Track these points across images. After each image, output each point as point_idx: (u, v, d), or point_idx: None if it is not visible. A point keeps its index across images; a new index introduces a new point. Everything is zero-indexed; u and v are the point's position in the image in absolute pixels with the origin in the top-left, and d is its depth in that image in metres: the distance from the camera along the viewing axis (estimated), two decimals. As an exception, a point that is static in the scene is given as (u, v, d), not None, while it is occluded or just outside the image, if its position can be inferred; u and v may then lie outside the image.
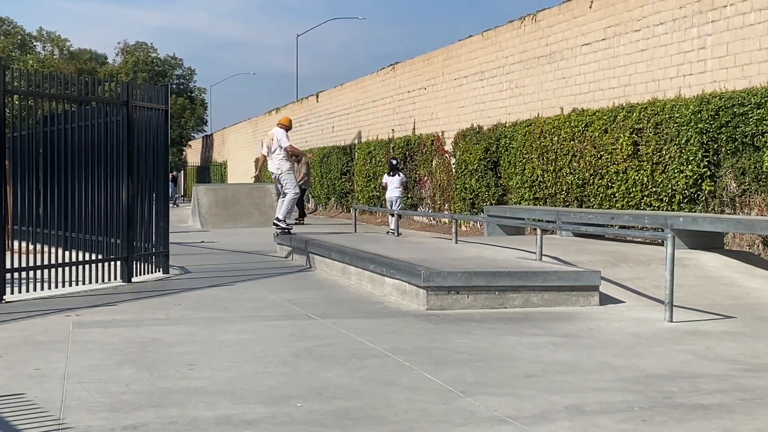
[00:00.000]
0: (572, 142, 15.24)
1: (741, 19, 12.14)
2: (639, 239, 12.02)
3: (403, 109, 23.96)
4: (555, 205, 15.66)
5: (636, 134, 13.62)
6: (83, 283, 9.37)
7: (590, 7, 15.55)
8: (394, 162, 18.82)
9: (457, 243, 11.26)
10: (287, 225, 13.64)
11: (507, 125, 17.89)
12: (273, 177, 14.01)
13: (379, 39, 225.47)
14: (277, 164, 13.63)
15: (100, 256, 9.77)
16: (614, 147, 14.05)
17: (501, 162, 17.92)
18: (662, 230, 10.26)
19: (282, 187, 13.74)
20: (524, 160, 16.83)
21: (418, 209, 22.33)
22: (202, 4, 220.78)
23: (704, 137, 12.16)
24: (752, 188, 11.54)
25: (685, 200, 12.61)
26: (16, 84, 8.81)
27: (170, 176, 13.26)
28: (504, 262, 9.03)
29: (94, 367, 5.46)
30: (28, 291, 8.69)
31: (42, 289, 8.89)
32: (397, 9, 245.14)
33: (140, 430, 4.10)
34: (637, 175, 13.52)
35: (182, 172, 57.33)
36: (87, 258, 9.55)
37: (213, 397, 4.71)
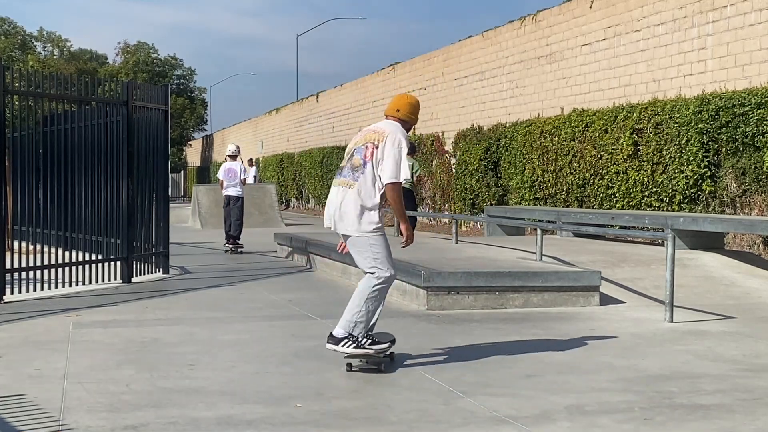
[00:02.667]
0: (572, 143, 15.24)
1: (741, 20, 12.14)
2: (639, 239, 12.02)
3: (403, 110, 23.92)
4: (555, 206, 15.66)
5: (636, 134, 13.62)
6: (83, 284, 9.37)
7: (590, 7, 15.55)
8: None
9: (457, 243, 11.26)
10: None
11: (507, 125, 17.89)
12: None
13: (399, 36, 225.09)
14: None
15: (100, 257, 9.77)
16: (614, 147, 14.05)
17: (501, 162, 17.91)
18: (662, 230, 10.25)
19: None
20: (524, 161, 16.83)
21: (418, 209, 22.33)
22: (219, 1, 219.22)
23: (704, 137, 12.16)
24: (752, 188, 11.53)
25: (686, 200, 12.61)
26: (16, 84, 8.81)
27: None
28: (504, 263, 9.03)
29: (94, 367, 5.46)
30: (28, 291, 8.69)
31: (42, 289, 8.89)
32: (421, 6, 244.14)
33: (140, 430, 4.10)
34: (637, 176, 13.52)
35: (182, 172, 57.34)
36: (87, 258, 9.55)
37: (213, 397, 4.71)
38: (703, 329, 6.99)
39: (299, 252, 12.27)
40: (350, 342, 5.35)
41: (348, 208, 5.37)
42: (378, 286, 5.36)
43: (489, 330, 6.92)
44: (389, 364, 5.48)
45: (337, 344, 5.40)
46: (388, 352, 5.49)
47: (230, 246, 14.10)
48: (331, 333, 5.48)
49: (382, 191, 5.37)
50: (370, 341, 5.36)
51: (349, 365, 5.41)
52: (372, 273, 5.37)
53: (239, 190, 14.37)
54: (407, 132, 5.63)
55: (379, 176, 5.35)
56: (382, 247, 5.39)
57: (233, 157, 14.51)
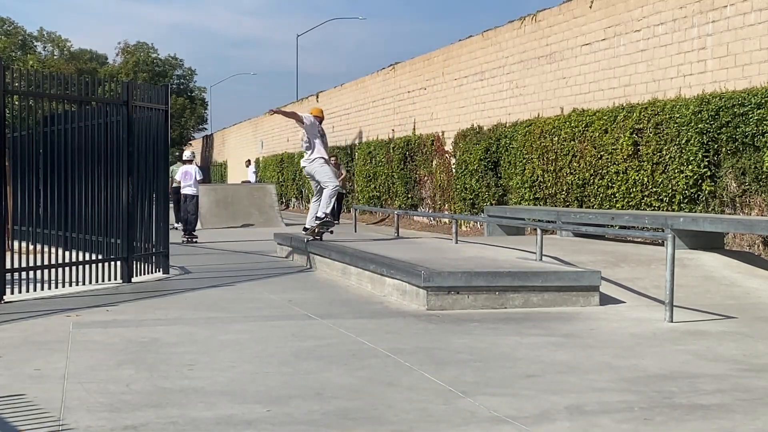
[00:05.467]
0: (572, 143, 15.24)
1: (741, 19, 12.14)
2: (639, 239, 12.01)
3: (403, 109, 23.96)
4: (555, 206, 15.66)
5: (636, 134, 13.62)
6: (83, 284, 9.36)
7: (590, 7, 15.56)
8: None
9: (457, 243, 11.26)
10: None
11: (507, 125, 17.89)
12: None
13: (399, 36, 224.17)
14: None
15: (100, 256, 9.77)
16: (614, 147, 14.05)
17: (501, 162, 17.91)
18: (662, 230, 10.25)
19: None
20: (524, 161, 16.84)
21: (418, 209, 22.33)
22: (219, 1, 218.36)
23: (704, 137, 12.16)
24: (752, 188, 11.54)
25: (686, 200, 12.61)
26: (16, 84, 8.81)
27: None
28: (504, 263, 9.03)
29: (94, 367, 5.46)
30: (28, 291, 8.69)
31: (42, 289, 8.89)
32: (421, 6, 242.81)
33: (140, 430, 4.10)
34: (637, 176, 13.52)
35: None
36: (87, 258, 9.55)
37: (213, 397, 4.71)
38: (703, 329, 6.99)
39: (299, 252, 12.27)
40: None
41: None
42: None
43: (489, 330, 6.92)
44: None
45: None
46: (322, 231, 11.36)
47: (186, 237, 16.01)
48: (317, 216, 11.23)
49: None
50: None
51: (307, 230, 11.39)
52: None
53: (194, 189, 17.15)
54: (318, 123, 11.71)
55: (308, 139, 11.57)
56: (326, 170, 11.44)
57: (189, 162, 17.35)
